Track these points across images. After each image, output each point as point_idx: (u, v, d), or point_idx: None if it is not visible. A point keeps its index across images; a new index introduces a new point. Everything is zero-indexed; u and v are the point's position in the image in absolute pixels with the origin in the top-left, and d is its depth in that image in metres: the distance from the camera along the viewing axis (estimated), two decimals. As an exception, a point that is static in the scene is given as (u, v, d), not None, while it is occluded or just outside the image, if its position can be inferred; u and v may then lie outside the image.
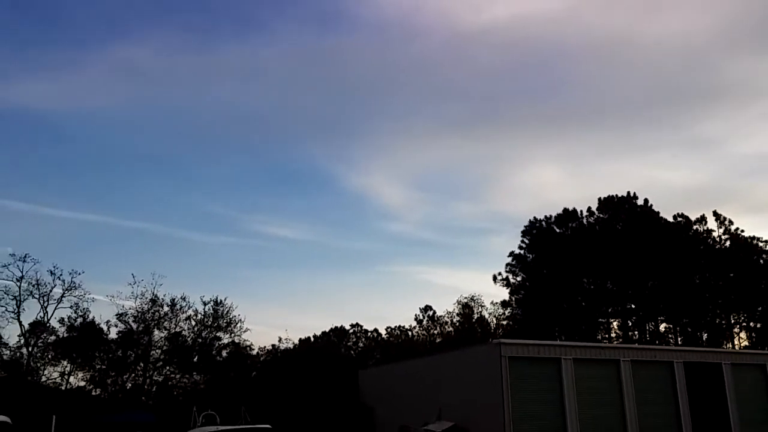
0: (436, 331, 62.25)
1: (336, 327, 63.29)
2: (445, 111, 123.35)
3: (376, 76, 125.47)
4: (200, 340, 43.00)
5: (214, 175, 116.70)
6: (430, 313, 62.88)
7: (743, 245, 62.24)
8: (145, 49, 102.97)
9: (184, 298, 42.78)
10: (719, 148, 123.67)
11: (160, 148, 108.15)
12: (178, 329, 42.42)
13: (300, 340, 58.63)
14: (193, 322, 42.95)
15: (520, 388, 26.49)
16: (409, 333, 63.00)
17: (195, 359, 42.59)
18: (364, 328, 63.79)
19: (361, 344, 62.80)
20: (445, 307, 76.80)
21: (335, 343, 60.80)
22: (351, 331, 63.77)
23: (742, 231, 62.64)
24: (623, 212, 59.77)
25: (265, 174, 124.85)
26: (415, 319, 63.05)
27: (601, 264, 56.27)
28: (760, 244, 63.63)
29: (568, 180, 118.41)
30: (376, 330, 63.78)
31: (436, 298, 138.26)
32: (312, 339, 60.98)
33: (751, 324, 63.21)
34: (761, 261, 62.87)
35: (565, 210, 61.17)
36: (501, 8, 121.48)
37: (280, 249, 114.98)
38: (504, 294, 61.39)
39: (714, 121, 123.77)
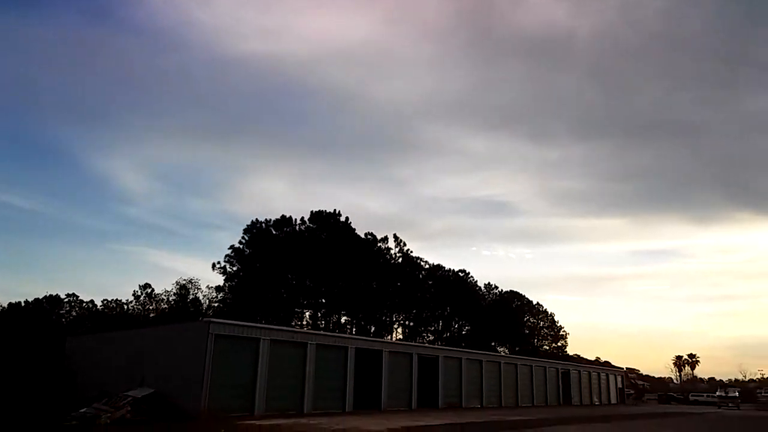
0: (151, 307, 58.25)
1: (50, 295, 55.69)
2: (198, 118, 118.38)
3: (138, 75, 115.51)
4: None
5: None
6: (149, 290, 58.75)
7: (411, 263, 69.45)
8: None
9: None
10: (406, 188, 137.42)
11: None
12: None
13: (10, 304, 50.47)
14: None
15: (222, 362, 26.00)
16: (125, 307, 58.01)
17: None
18: (80, 298, 57.18)
19: (74, 313, 56.07)
20: (165, 286, 72.47)
21: (47, 310, 53.43)
22: (66, 300, 56.62)
23: (412, 252, 69.99)
24: (329, 225, 62.58)
25: (2, 141, 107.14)
26: (133, 295, 58.38)
27: (305, 264, 58.12)
28: (422, 263, 71.68)
29: (290, 193, 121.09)
30: (92, 301, 57.62)
31: (160, 278, 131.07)
32: (22, 304, 52.84)
33: (406, 322, 70.55)
34: (420, 276, 70.76)
35: (283, 216, 62.09)
36: (260, 43, 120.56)
37: (7, 216, 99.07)
38: (220, 280, 59.96)
39: (406, 167, 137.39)
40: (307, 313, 62.19)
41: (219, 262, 59.38)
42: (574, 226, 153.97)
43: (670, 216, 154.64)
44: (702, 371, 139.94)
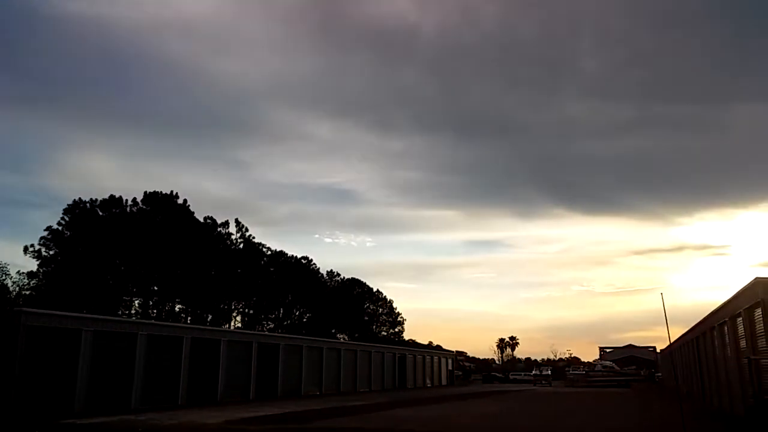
0: (-56, 296, 50.73)
1: None
2: (6, 82, 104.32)
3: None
4: None
5: None
6: (-60, 276, 51.03)
7: (253, 249, 68.10)
8: None
9: None
10: (249, 171, 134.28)
11: None
12: None
13: None
14: None
15: (36, 357, 23.59)
16: None
17: None
18: None
19: None
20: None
21: None
22: None
23: (254, 238, 68.60)
24: (164, 208, 59.08)
25: None
26: None
27: (136, 249, 54.39)
28: (264, 250, 70.64)
29: (120, 171, 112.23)
30: None
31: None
32: None
33: (246, 310, 69.16)
34: (262, 262, 69.73)
35: (112, 196, 57.35)
36: (86, 3, 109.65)
37: None
38: (33, 265, 53.82)
39: (250, 150, 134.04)
40: (137, 302, 58.33)
41: (33, 245, 53.35)
42: (414, 216, 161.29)
43: (498, 209, 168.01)
44: (520, 352, 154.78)
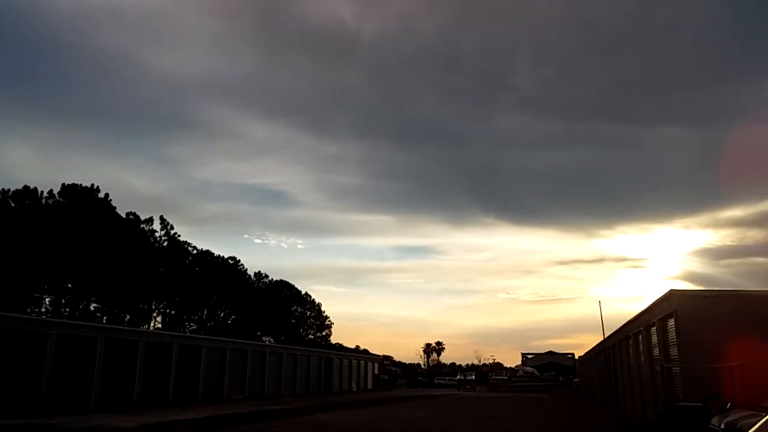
0: None
1: None
2: None
3: None
4: None
5: None
6: None
7: (177, 247, 65.97)
8: None
9: None
10: (178, 168, 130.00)
11: None
12: None
13: None
14: None
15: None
16: None
17: None
18: None
19: None
20: None
21: None
22: None
23: (179, 236, 66.45)
24: (83, 201, 56.22)
25: None
26: None
27: (50, 243, 51.46)
28: (190, 249, 68.60)
29: (36, 162, 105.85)
30: None
31: None
32: None
33: (168, 310, 66.84)
34: (187, 261, 67.69)
35: (26, 187, 54.11)
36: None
37: None
38: (-68, 257, 49.88)
39: (179, 146, 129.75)
40: (48, 300, 55.20)
41: (-67, 236, 49.55)
42: (345, 220, 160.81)
43: (431, 216, 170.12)
44: (446, 357, 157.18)
